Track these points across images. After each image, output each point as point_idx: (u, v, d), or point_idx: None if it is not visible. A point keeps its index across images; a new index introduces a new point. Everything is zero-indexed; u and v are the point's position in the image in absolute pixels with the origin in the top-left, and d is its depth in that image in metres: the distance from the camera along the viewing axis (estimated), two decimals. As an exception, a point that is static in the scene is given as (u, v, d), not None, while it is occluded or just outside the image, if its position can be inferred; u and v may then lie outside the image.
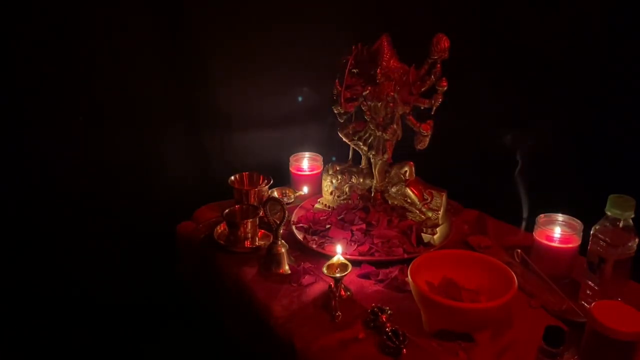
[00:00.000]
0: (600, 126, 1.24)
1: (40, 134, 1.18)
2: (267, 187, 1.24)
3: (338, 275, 0.90)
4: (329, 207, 1.26)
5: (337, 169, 1.24)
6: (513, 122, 1.40)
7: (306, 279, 0.99)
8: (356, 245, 1.07)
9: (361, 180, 1.22)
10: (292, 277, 1.00)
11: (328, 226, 1.13)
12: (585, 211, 0.93)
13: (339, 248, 0.97)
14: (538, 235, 1.01)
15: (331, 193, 1.26)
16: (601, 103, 1.24)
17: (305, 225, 1.16)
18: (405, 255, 1.04)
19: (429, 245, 1.09)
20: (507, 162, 1.36)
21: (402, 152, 1.16)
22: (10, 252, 1.21)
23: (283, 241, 1.05)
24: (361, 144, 1.18)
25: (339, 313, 0.89)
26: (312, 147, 1.40)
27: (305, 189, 1.32)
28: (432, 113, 1.08)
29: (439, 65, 1.04)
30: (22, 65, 1.13)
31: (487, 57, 1.44)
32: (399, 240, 1.08)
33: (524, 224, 1.05)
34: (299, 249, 1.10)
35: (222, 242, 1.13)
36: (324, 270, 0.91)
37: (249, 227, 1.11)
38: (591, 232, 0.88)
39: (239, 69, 1.35)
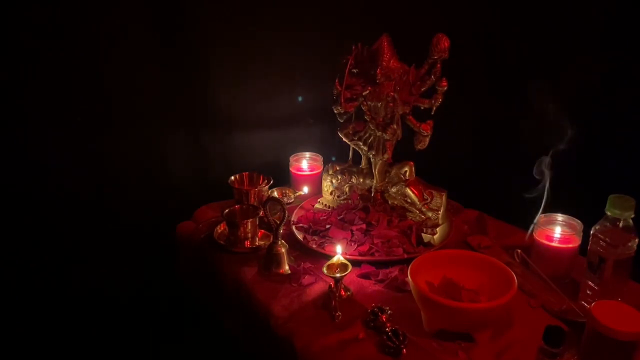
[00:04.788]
0: (600, 126, 1.24)
1: (42, 134, 1.18)
2: (267, 187, 1.24)
3: (338, 275, 0.90)
4: (329, 207, 1.26)
5: (337, 169, 1.24)
6: (513, 121, 1.40)
7: (306, 279, 0.99)
8: (356, 245, 1.07)
9: (361, 180, 1.22)
10: (292, 277, 1.00)
11: (328, 226, 1.13)
12: (585, 211, 0.93)
13: (339, 248, 0.97)
14: (538, 235, 1.01)
15: (331, 193, 1.26)
16: (601, 103, 1.24)
17: (305, 225, 1.16)
18: (405, 255, 1.04)
19: (429, 245, 1.09)
20: (507, 162, 1.36)
21: (402, 152, 1.16)
22: (10, 251, 1.21)
23: (283, 241, 1.05)
24: (361, 144, 1.18)
25: (339, 313, 0.89)
26: (312, 147, 1.40)
27: (305, 189, 1.32)
28: (432, 113, 1.08)
29: (439, 65, 1.04)
30: (26, 67, 1.13)
31: (487, 57, 1.44)
32: (399, 240, 1.08)
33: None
34: (299, 249, 1.10)
35: (222, 242, 1.13)
36: (324, 270, 0.91)
37: (249, 227, 1.11)
38: (591, 232, 0.88)
39: (239, 70, 1.35)
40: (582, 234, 0.97)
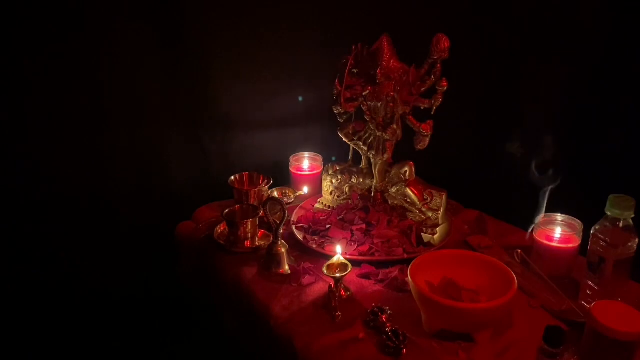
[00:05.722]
0: (600, 126, 1.24)
1: (41, 134, 1.18)
2: (267, 187, 1.24)
3: (338, 275, 0.90)
4: (329, 207, 1.26)
5: (337, 169, 1.24)
6: (513, 121, 1.40)
7: (306, 279, 0.99)
8: (356, 245, 1.07)
9: (361, 180, 1.22)
10: (292, 277, 1.00)
11: (328, 226, 1.13)
12: (585, 211, 0.93)
13: (339, 248, 0.97)
14: (538, 235, 1.01)
15: (331, 193, 1.26)
16: (601, 102, 1.24)
17: (305, 225, 1.16)
18: (405, 255, 1.04)
19: (429, 245, 1.09)
20: (507, 162, 1.36)
21: (402, 152, 1.16)
22: (10, 252, 1.21)
23: (283, 241, 1.05)
24: (361, 144, 1.18)
25: (339, 313, 0.89)
26: (312, 147, 1.40)
27: (305, 189, 1.32)
28: (432, 113, 1.08)
29: (439, 65, 1.04)
30: (25, 66, 1.13)
31: (487, 57, 1.44)
32: (399, 240, 1.08)
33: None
34: (299, 249, 1.10)
35: (222, 242, 1.13)
36: (324, 270, 0.91)
37: (249, 227, 1.11)
38: (591, 232, 0.88)
39: (239, 69, 1.35)
40: (582, 234, 0.97)
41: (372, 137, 1.16)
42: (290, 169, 1.36)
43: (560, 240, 0.99)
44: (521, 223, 1.15)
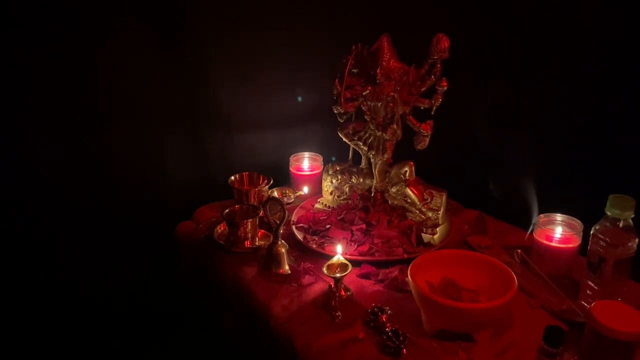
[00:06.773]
0: (600, 126, 1.24)
1: (41, 134, 1.18)
2: (267, 187, 1.24)
3: (338, 275, 0.90)
4: (329, 207, 1.26)
5: (337, 169, 1.24)
6: (513, 122, 1.40)
7: (306, 279, 0.99)
8: (356, 245, 1.07)
9: (361, 180, 1.22)
10: (292, 277, 1.00)
11: (328, 226, 1.13)
12: (585, 211, 0.93)
13: (339, 248, 0.97)
14: (538, 235, 1.01)
15: (331, 193, 1.26)
16: (601, 102, 1.24)
17: (305, 225, 1.16)
18: (405, 255, 1.04)
19: (429, 245, 1.09)
20: (507, 162, 1.36)
21: (402, 152, 1.16)
22: (9, 252, 1.21)
23: (283, 241, 1.05)
24: (361, 144, 1.19)
25: (339, 313, 0.89)
26: (312, 147, 1.40)
27: (305, 189, 1.32)
28: (432, 113, 1.08)
29: (439, 65, 1.04)
30: (23, 66, 1.13)
31: (487, 57, 1.44)
32: (399, 240, 1.08)
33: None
34: (299, 249, 1.10)
35: (222, 242, 1.13)
36: (324, 270, 0.91)
37: (249, 227, 1.11)
38: (591, 232, 0.88)
39: (239, 69, 1.35)
40: (582, 234, 0.97)
41: (372, 137, 1.16)
42: (290, 169, 1.36)
43: (560, 240, 0.99)
44: (521, 223, 1.15)
